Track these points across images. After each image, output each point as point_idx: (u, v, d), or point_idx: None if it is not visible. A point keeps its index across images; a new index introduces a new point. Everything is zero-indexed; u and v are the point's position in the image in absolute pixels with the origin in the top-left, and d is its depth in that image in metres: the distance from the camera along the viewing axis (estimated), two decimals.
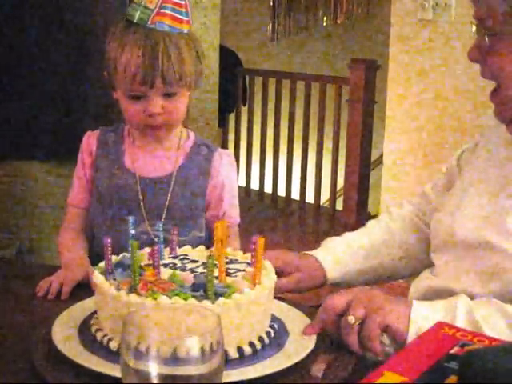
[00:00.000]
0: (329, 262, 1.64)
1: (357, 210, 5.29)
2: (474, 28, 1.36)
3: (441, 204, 1.60)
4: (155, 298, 1.18)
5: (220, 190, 1.77)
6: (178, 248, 1.46)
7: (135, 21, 1.62)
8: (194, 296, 1.20)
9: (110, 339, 1.22)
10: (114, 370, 1.10)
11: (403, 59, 4.29)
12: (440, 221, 1.54)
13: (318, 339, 1.29)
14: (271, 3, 7.12)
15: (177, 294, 1.19)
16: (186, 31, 1.66)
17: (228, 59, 5.89)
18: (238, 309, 1.21)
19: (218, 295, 1.21)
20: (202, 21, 5.12)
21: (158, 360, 0.86)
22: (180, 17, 1.64)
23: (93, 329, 1.28)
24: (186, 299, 1.18)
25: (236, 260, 1.38)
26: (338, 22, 7.04)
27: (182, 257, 1.42)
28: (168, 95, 1.64)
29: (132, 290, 1.22)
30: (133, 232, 1.39)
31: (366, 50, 6.42)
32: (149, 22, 1.61)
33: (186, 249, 1.46)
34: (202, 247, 1.47)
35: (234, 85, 6.06)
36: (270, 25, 7.16)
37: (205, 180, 1.75)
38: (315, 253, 1.66)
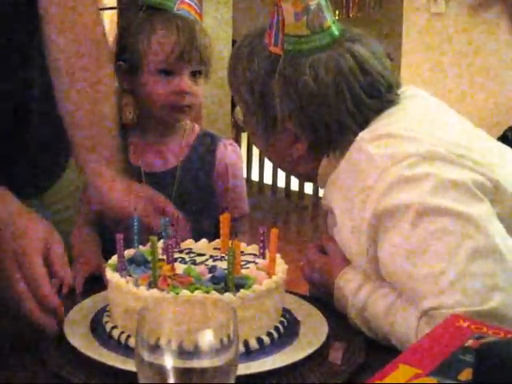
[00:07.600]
0: None
1: None
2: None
3: None
4: (177, 293, 1.17)
5: (225, 180, 1.76)
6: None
7: (160, 6, 1.67)
8: (215, 289, 1.20)
9: (128, 336, 1.22)
10: (129, 365, 1.10)
11: (416, 52, 4.28)
12: None
13: (330, 326, 1.30)
14: None
15: (198, 288, 1.19)
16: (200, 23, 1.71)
17: None
18: (258, 299, 1.21)
19: (238, 287, 1.21)
20: (214, 15, 5.14)
21: (172, 353, 0.86)
22: (197, 8, 1.70)
23: (107, 326, 1.27)
24: (208, 292, 1.18)
25: (242, 252, 1.37)
26: (351, 15, 7.02)
27: (187, 250, 1.42)
28: (194, 75, 1.68)
29: (152, 285, 1.22)
30: (136, 227, 1.38)
31: (379, 43, 6.40)
32: (175, 9, 1.67)
33: (189, 242, 1.46)
34: (204, 240, 1.46)
35: None
36: None
37: (210, 171, 1.75)
38: None
